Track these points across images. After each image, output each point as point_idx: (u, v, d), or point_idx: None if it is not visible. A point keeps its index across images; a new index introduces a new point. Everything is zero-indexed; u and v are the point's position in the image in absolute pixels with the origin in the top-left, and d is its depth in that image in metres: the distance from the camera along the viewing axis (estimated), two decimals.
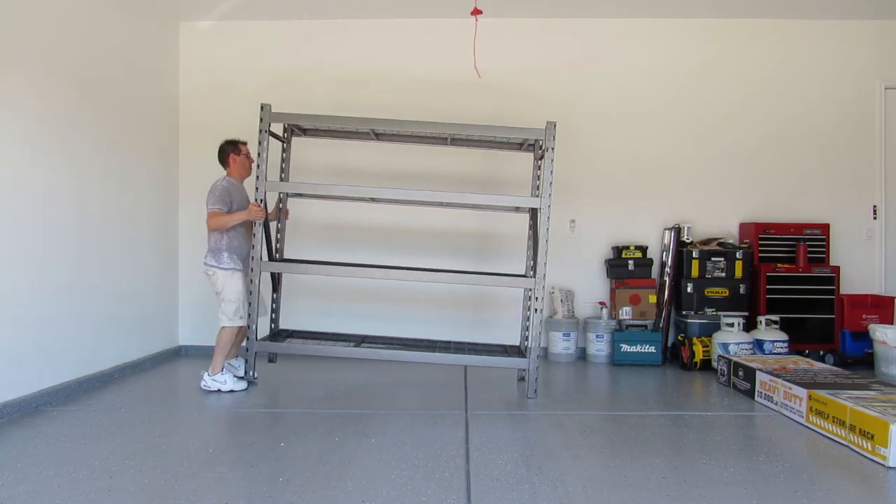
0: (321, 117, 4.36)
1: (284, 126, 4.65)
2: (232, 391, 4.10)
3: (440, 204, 4.61)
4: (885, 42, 5.42)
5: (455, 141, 4.73)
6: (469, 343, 4.82)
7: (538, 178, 4.57)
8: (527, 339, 4.58)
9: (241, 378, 4.24)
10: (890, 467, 2.76)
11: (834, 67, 5.46)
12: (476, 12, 4.52)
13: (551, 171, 3.99)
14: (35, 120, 3.75)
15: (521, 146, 4.72)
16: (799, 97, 5.46)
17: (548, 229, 4.00)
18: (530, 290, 4.09)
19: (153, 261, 5.10)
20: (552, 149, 4.00)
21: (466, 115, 5.37)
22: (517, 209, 4.89)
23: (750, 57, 5.47)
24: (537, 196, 4.16)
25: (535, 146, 4.63)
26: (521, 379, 4.51)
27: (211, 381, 4.12)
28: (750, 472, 2.72)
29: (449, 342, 4.77)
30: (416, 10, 5.30)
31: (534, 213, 4.36)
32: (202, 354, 5.42)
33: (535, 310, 4.00)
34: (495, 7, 5.00)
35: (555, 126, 4.03)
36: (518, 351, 4.66)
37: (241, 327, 4.20)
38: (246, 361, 4.27)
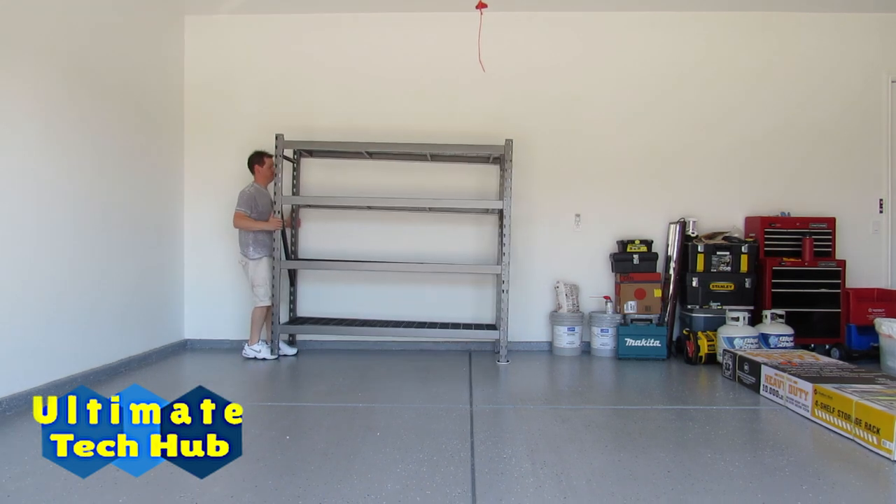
0: (326, 143, 5.22)
1: (293, 151, 5.27)
2: (265, 359, 4.92)
3: (423, 209, 5.33)
4: (890, 35, 5.37)
5: (434, 157, 5.28)
6: (465, 324, 5.35)
7: (501, 185, 5.23)
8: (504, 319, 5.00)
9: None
10: (895, 461, 2.75)
11: (840, 60, 5.42)
12: (481, 6, 4.49)
13: (510, 178, 4.91)
14: (37, 114, 3.76)
15: (487, 160, 5.37)
16: (804, 91, 5.43)
17: (509, 226, 4.94)
18: (498, 274, 5.02)
19: (159, 255, 5.12)
20: (510, 160, 4.88)
21: (470, 111, 5.40)
22: (487, 210, 5.42)
23: (755, 50, 5.43)
24: (501, 200, 5.00)
25: (500, 159, 5.18)
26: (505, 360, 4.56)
27: (250, 349, 4.95)
28: (755, 465, 2.72)
29: (441, 322, 5.34)
30: (422, 4, 5.29)
31: (500, 213, 5.13)
32: (208, 348, 5.46)
33: (504, 290, 4.90)
34: (500, 1, 4.97)
35: (512, 143, 4.88)
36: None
37: (268, 307, 4.96)
38: (271, 342, 4.96)
